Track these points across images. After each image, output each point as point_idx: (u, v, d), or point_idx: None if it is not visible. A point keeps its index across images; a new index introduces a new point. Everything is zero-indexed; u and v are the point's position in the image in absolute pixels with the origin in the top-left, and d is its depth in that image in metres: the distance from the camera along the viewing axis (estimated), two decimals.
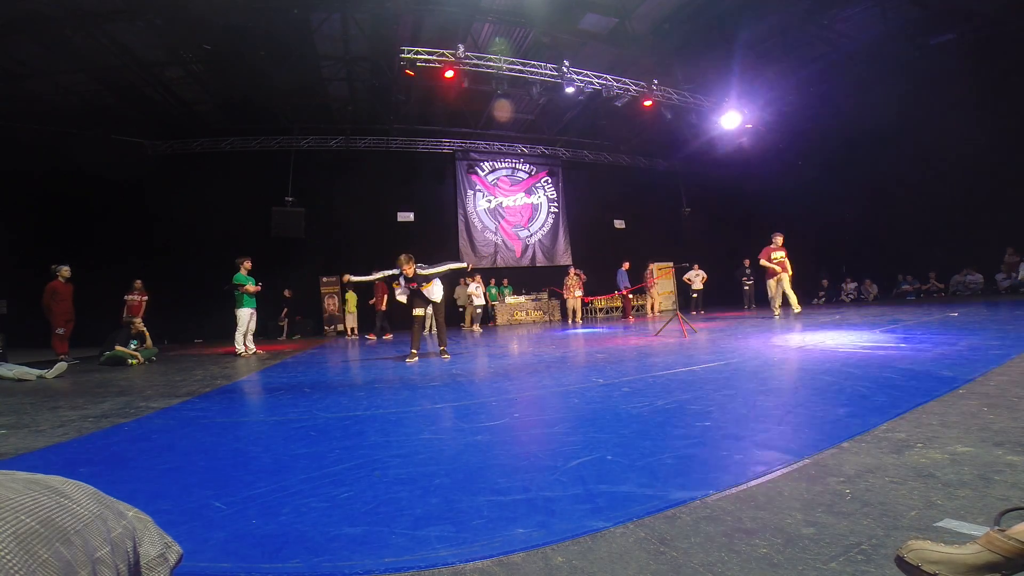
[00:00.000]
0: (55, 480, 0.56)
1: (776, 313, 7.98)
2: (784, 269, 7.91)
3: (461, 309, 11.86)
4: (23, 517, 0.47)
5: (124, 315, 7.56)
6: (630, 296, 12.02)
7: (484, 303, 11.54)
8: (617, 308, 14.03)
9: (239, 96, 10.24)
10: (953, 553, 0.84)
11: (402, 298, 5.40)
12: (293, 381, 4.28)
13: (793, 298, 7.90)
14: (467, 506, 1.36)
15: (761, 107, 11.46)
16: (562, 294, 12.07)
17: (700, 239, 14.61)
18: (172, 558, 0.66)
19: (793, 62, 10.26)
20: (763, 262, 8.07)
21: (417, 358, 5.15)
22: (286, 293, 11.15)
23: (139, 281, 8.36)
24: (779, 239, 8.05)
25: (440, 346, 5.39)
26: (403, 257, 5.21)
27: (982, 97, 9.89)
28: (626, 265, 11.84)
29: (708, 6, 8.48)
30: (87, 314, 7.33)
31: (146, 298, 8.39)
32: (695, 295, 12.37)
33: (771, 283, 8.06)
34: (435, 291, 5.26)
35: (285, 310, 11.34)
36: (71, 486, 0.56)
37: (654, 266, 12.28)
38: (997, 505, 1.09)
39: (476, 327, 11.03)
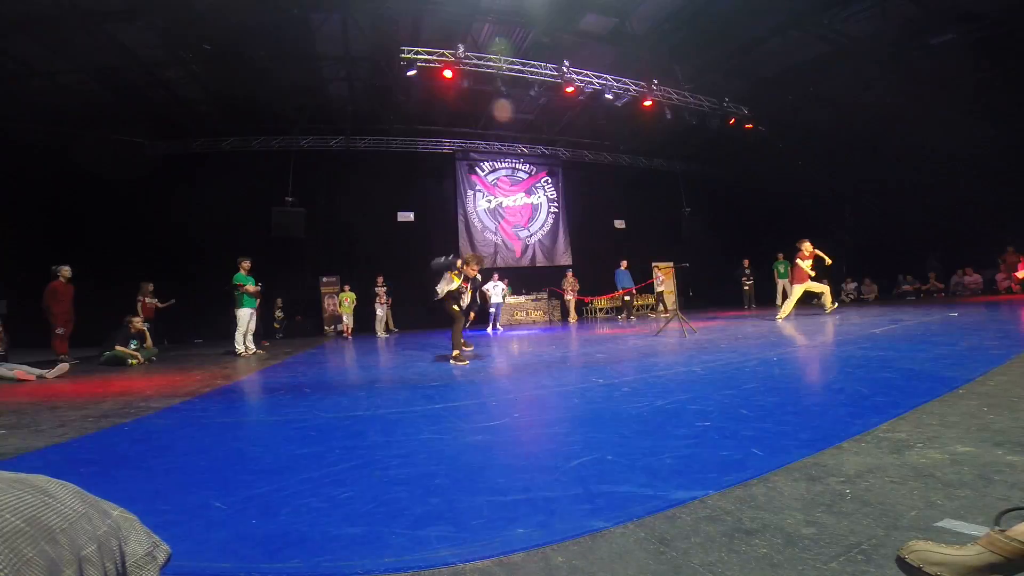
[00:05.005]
0: (39, 479, 0.55)
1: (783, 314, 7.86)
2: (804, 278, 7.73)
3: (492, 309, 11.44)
4: (8, 516, 0.47)
5: (139, 315, 7.48)
6: (626, 298, 12.00)
7: (499, 302, 11.36)
8: (616, 309, 14.04)
9: (239, 96, 10.22)
10: (954, 554, 0.84)
11: (465, 299, 5.06)
12: (293, 381, 4.28)
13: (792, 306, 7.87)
14: (467, 506, 1.36)
15: (761, 106, 11.46)
16: (562, 294, 12.22)
17: (700, 239, 14.60)
18: (160, 557, 0.65)
19: (793, 61, 10.25)
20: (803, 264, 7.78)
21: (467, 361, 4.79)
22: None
23: (151, 284, 8.42)
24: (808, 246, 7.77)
25: (456, 349, 4.97)
26: (472, 256, 5.10)
27: (982, 97, 9.89)
28: (624, 264, 11.84)
29: (708, 6, 8.46)
30: (87, 314, 7.32)
31: (156, 302, 8.52)
32: (657, 295, 12.74)
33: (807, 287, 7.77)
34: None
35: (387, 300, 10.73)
36: (55, 485, 0.56)
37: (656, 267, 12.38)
38: (997, 505, 1.09)
39: (489, 328, 10.96)
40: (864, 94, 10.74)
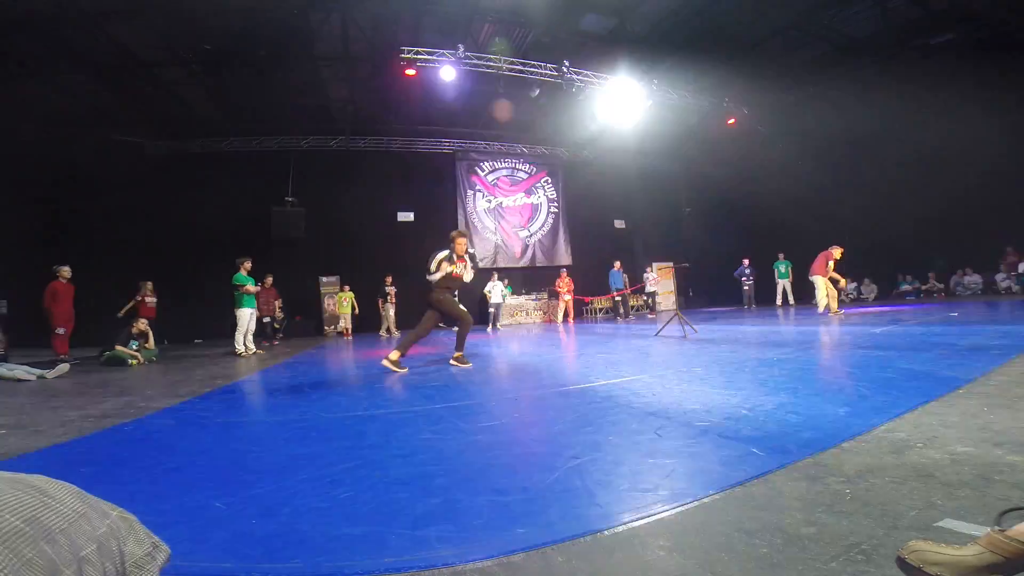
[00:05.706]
0: (38, 479, 0.55)
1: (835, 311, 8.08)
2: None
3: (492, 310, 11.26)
4: (7, 516, 0.47)
5: (137, 316, 7.43)
6: (617, 299, 11.97)
7: (499, 302, 11.30)
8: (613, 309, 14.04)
9: (239, 96, 10.23)
10: (954, 554, 0.84)
11: (469, 276, 4.59)
12: (293, 381, 4.28)
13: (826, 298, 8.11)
14: (467, 506, 1.35)
15: (761, 106, 11.46)
16: (559, 294, 12.28)
17: (700, 239, 14.60)
18: (160, 557, 0.65)
19: (793, 61, 10.25)
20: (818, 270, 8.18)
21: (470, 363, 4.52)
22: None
23: (150, 283, 8.40)
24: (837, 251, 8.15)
25: (460, 351, 4.59)
26: (458, 232, 4.51)
27: (982, 97, 9.88)
28: (617, 264, 11.82)
29: (708, 6, 8.47)
30: (87, 314, 7.32)
31: (155, 300, 8.49)
32: (647, 298, 12.71)
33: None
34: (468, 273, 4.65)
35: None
36: (54, 485, 0.56)
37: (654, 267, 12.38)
38: (997, 505, 1.08)
39: (488, 328, 10.97)
40: (864, 93, 10.74)
